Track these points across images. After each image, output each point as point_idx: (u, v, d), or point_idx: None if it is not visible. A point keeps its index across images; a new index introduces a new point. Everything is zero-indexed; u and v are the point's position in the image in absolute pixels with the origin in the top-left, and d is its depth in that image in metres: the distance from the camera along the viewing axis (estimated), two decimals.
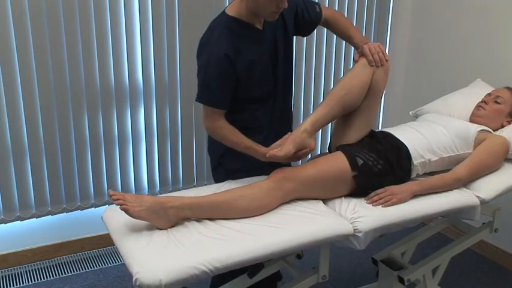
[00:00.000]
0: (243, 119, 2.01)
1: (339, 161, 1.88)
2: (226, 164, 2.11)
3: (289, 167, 1.87)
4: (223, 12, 1.95)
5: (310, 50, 3.17)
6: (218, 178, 2.15)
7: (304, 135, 1.84)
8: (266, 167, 2.04)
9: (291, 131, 2.20)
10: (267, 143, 1.99)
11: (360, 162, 1.87)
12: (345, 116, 2.01)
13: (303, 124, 1.86)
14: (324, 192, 1.88)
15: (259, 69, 1.95)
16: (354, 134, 1.99)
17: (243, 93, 1.96)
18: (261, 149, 1.90)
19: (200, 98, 1.93)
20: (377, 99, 1.99)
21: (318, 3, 2.13)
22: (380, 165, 1.89)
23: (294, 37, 2.14)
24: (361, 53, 1.97)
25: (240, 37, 1.90)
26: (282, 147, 1.82)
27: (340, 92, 1.92)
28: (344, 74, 3.20)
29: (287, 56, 2.08)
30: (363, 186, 1.88)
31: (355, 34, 2.11)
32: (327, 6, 3.12)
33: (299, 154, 1.85)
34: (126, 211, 1.59)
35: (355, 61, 1.99)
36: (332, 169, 1.86)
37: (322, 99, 3.27)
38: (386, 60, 1.95)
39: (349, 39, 2.12)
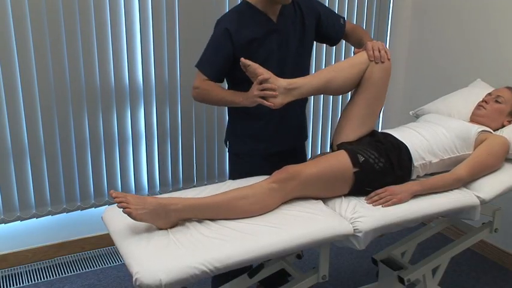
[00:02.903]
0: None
1: (341, 159, 1.88)
2: (232, 148, 2.25)
3: (291, 165, 1.86)
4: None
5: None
6: (230, 165, 2.32)
7: (280, 83, 1.84)
8: (269, 155, 2.14)
9: (303, 119, 2.33)
10: (268, 131, 2.05)
11: (361, 159, 1.87)
12: (345, 112, 2.04)
13: (283, 79, 1.87)
14: (325, 191, 1.88)
15: (262, 53, 2.02)
16: (355, 131, 2.01)
17: (243, 74, 1.98)
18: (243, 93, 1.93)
19: (197, 63, 2.05)
20: (376, 94, 1.99)
21: (342, 17, 2.24)
22: (381, 163, 1.89)
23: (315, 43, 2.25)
24: (363, 48, 2.01)
25: (247, 18, 2.01)
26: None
27: (328, 68, 1.99)
28: None
29: (300, 55, 2.13)
30: (364, 183, 1.88)
31: (366, 37, 2.20)
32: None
33: (263, 90, 1.83)
34: (129, 214, 1.58)
35: (354, 53, 2.04)
36: (334, 167, 1.86)
37: (322, 97, 3.30)
38: (388, 59, 1.97)
39: (361, 44, 2.17)
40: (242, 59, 1.82)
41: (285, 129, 2.20)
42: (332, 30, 2.20)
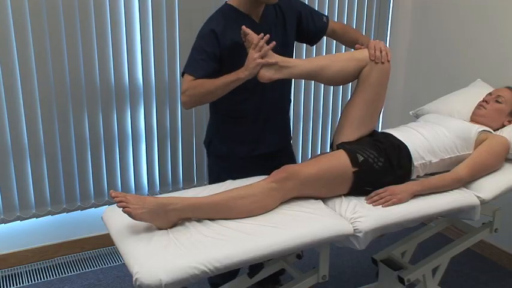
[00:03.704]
0: (227, 108, 2.04)
1: (340, 158, 1.88)
2: (214, 150, 2.20)
3: (290, 165, 1.86)
4: (225, 2, 2.05)
5: (309, 48, 3.17)
6: (210, 166, 2.26)
7: (275, 57, 1.86)
8: (251, 157, 2.12)
9: (287, 121, 2.32)
10: (251, 133, 2.08)
11: (361, 158, 1.87)
12: (345, 113, 2.04)
13: (278, 56, 1.88)
14: (324, 191, 1.88)
15: (246, 54, 1.98)
16: (355, 131, 2.00)
17: None
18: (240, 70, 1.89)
19: (184, 68, 2.00)
20: (374, 96, 1.98)
21: (326, 15, 2.21)
22: (381, 162, 1.89)
23: (297, 42, 2.20)
24: (366, 46, 2.00)
25: (232, 21, 1.98)
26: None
27: (325, 56, 2.04)
28: None
29: (282, 55, 2.09)
30: (363, 182, 1.88)
31: (363, 38, 2.18)
32: (327, 5, 3.14)
33: (261, 55, 1.83)
34: (129, 214, 1.58)
35: (355, 49, 2.04)
36: (333, 167, 1.86)
37: (322, 94, 3.29)
38: (388, 61, 1.96)
39: (357, 43, 2.16)
40: (243, 27, 1.83)
41: (268, 132, 2.17)
42: (313, 27, 2.17)
